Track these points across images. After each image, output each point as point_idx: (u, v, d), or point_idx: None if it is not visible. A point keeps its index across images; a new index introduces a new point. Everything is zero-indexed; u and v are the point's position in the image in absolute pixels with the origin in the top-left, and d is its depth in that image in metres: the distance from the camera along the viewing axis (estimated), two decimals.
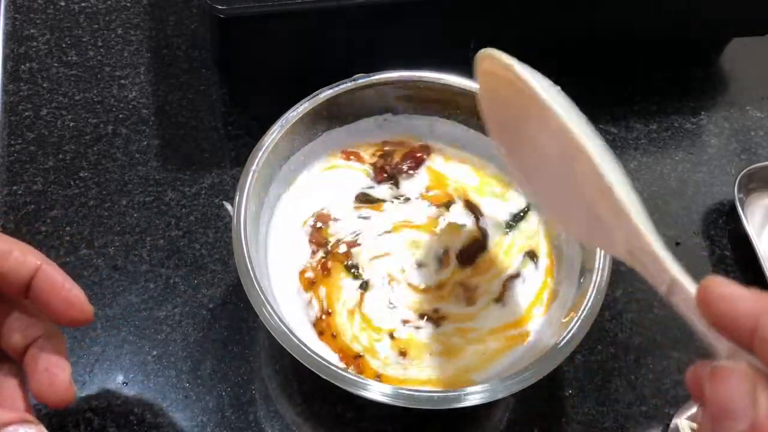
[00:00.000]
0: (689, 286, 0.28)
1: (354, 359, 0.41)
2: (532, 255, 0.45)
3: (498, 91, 0.39)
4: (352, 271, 0.44)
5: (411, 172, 0.48)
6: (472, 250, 0.45)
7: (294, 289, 0.43)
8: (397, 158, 0.49)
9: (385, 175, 0.48)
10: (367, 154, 0.49)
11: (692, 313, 0.27)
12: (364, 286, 0.43)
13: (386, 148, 0.49)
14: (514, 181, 0.47)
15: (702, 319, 0.27)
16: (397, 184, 0.48)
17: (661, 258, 0.30)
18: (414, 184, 0.48)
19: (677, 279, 0.29)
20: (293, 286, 0.43)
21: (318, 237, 0.45)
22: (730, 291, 0.26)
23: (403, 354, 0.41)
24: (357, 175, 0.48)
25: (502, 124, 0.40)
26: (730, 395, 0.24)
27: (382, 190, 0.47)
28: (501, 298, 0.43)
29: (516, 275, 0.44)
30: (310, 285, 0.43)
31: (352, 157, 0.49)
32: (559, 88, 0.36)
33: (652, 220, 0.33)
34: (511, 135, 0.40)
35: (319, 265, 0.44)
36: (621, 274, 0.50)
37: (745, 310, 0.25)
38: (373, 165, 0.48)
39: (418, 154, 0.49)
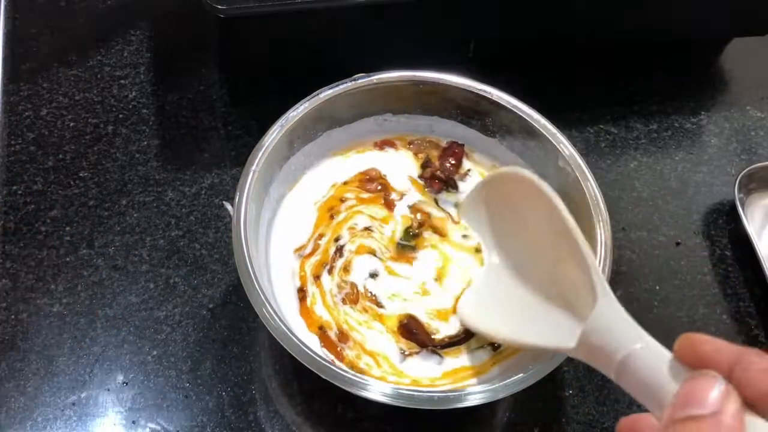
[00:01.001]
0: (660, 347, 0.30)
1: (320, 330, 0.42)
2: (495, 347, 0.43)
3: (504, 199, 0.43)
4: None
5: (462, 172, 0.48)
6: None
7: (294, 288, 0.43)
8: (435, 161, 0.49)
9: (437, 181, 0.48)
10: (403, 146, 0.49)
11: (651, 379, 0.28)
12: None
13: (415, 146, 0.49)
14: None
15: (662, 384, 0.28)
16: (456, 187, 0.48)
17: (631, 321, 0.31)
18: (471, 186, 0.48)
19: (650, 342, 0.30)
20: (293, 284, 0.43)
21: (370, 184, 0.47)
22: (709, 337, 0.27)
23: (342, 336, 0.42)
24: (403, 160, 0.48)
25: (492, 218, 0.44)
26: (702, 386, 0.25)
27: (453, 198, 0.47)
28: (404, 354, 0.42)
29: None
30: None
31: (386, 146, 0.49)
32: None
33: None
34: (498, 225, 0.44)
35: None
36: (621, 275, 0.50)
37: (727, 348, 0.27)
38: (422, 177, 0.48)
39: (456, 150, 0.49)
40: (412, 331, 0.42)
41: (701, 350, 0.27)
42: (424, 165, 0.48)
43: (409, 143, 0.49)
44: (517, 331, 0.39)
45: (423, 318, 0.43)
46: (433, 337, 0.42)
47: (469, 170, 0.48)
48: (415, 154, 0.49)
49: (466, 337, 0.42)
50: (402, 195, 0.47)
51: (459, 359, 0.42)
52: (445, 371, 0.41)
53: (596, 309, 0.32)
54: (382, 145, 0.49)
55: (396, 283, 0.44)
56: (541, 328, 0.37)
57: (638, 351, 0.30)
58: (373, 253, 0.44)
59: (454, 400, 0.36)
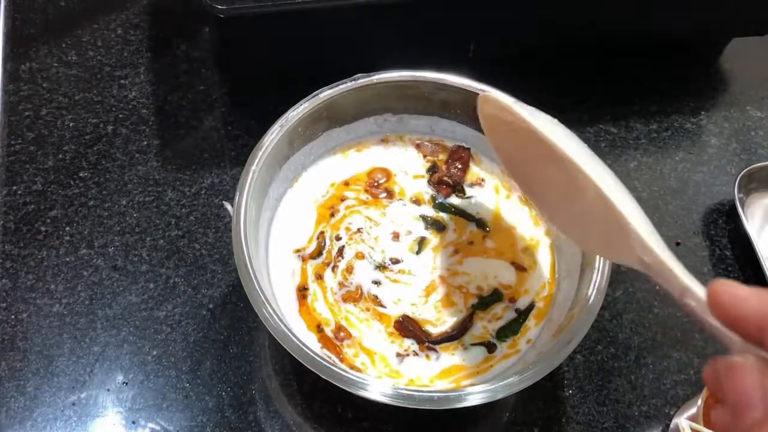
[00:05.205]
0: (700, 291, 0.30)
1: (318, 329, 0.42)
2: (489, 347, 0.43)
3: (501, 129, 0.43)
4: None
5: (474, 179, 0.49)
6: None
7: (293, 288, 0.43)
8: (443, 166, 0.49)
9: (445, 186, 0.48)
10: (411, 142, 0.50)
11: (704, 315, 0.29)
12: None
13: (422, 147, 0.49)
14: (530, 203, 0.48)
15: (713, 321, 0.29)
16: (463, 191, 0.48)
17: (672, 268, 0.32)
18: (483, 192, 0.48)
19: (689, 287, 0.31)
20: (293, 284, 0.43)
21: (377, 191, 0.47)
22: (736, 293, 0.28)
23: (339, 332, 0.42)
24: (409, 157, 0.49)
25: (511, 158, 0.45)
26: (745, 388, 0.26)
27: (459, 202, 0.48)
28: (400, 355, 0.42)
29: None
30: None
31: (390, 140, 0.49)
32: (557, 120, 0.39)
33: (654, 225, 0.34)
34: (521, 166, 0.44)
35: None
36: (621, 274, 0.50)
37: (752, 310, 0.27)
38: (429, 181, 0.48)
39: (462, 155, 0.49)
40: (408, 328, 0.42)
41: (729, 315, 0.27)
42: (431, 170, 0.48)
43: (417, 145, 0.50)
44: (581, 237, 0.40)
45: (431, 314, 0.43)
46: (428, 332, 0.43)
47: (483, 180, 0.49)
48: (424, 156, 0.49)
49: (460, 332, 0.42)
50: (410, 200, 0.47)
51: (455, 356, 0.42)
52: (442, 369, 0.41)
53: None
54: (386, 138, 0.49)
55: (399, 289, 0.44)
56: (601, 238, 0.38)
57: (682, 294, 0.31)
58: (362, 257, 0.45)
59: (454, 400, 0.36)
